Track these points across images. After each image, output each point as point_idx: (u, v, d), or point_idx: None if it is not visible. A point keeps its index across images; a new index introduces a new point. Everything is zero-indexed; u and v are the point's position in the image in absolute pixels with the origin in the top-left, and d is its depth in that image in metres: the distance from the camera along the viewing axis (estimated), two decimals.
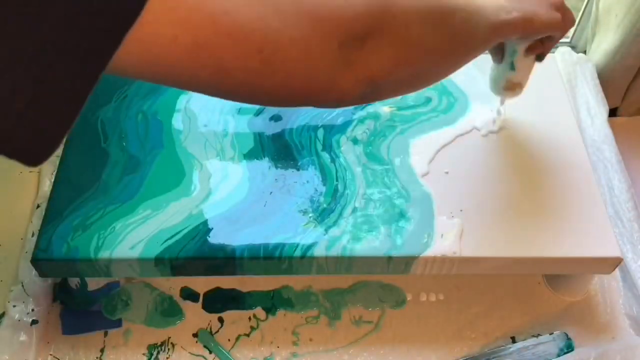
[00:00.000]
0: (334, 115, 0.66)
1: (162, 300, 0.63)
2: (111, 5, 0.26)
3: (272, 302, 0.63)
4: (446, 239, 0.56)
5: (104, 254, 0.55)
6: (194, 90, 0.37)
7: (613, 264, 0.57)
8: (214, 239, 0.56)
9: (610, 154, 0.71)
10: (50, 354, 0.60)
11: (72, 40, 0.26)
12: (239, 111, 0.67)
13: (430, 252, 0.55)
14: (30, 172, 0.72)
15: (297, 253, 0.55)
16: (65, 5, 0.25)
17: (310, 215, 0.58)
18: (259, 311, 0.63)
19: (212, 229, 0.57)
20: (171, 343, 0.61)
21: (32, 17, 0.24)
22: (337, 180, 0.61)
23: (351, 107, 0.67)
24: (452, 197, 0.59)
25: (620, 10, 0.72)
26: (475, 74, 0.70)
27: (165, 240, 0.56)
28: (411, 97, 0.68)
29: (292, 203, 0.59)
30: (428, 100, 0.68)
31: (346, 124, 0.65)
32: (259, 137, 0.65)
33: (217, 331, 0.62)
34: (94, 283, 0.63)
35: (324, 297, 0.63)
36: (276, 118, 0.66)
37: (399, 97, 0.68)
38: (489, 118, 0.66)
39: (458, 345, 0.61)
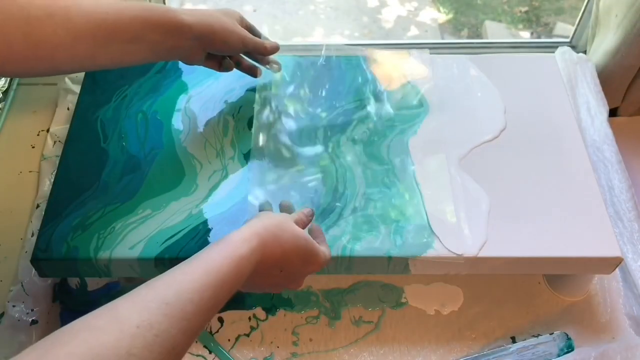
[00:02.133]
0: (334, 115, 0.66)
1: None
2: None
3: (272, 302, 0.63)
4: (446, 239, 0.56)
5: (104, 254, 0.55)
6: None
7: (613, 264, 0.57)
8: (214, 239, 0.56)
9: (610, 154, 0.71)
10: None
11: None
12: (239, 111, 0.67)
13: (430, 253, 0.55)
14: (30, 172, 0.72)
15: None
16: None
17: None
18: (259, 311, 0.63)
19: (212, 229, 0.57)
20: None
21: None
22: (337, 180, 0.61)
23: (351, 107, 0.67)
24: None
25: (620, 10, 0.72)
26: (476, 74, 0.70)
27: (165, 240, 0.56)
28: (411, 96, 0.68)
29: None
30: None
31: (346, 124, 0.65)
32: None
33: (217, 331, 0.61)
34: (94, 283, 0.63)
35: (324, 297, 0.63)
36: (276, 118, 0.66)
37: (399, 97, 0.68)
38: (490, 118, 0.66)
39: (458, 345, 0.61)
